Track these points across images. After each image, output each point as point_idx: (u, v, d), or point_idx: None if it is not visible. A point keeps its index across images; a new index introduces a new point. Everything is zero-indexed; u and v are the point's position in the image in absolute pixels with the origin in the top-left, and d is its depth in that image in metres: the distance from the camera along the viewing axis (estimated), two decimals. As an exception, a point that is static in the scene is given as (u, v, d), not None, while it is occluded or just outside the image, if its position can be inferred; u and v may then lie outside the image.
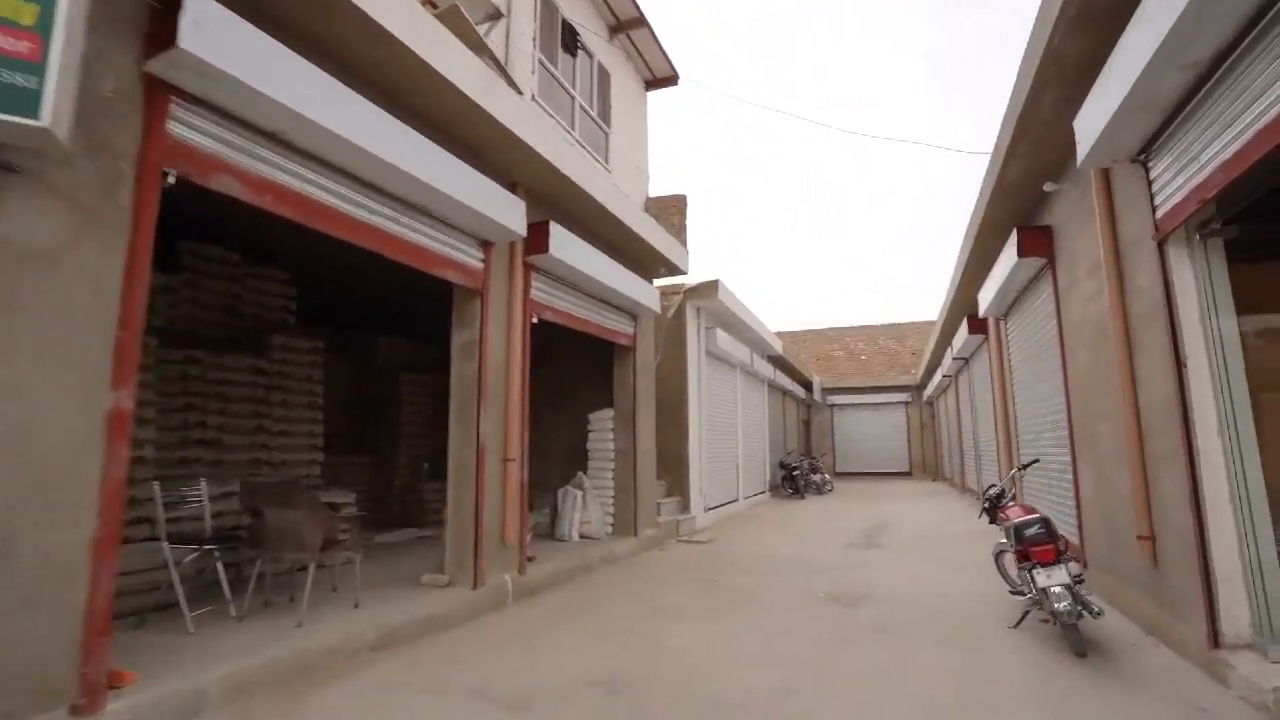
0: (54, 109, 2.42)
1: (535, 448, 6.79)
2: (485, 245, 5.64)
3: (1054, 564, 4.09)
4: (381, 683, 3.70)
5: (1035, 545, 4.19)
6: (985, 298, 8.32)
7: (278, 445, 6.51)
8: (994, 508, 5.04)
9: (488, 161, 5.56)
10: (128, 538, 4.51)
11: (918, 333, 26.15)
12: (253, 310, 6.73)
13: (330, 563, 5.16)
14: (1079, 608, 3.90)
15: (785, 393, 19.92)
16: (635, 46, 10.20)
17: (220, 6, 3.14)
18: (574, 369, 9.48)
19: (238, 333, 6.46)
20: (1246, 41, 2.83)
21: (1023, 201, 6.43)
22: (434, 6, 5.45)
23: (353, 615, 4.50)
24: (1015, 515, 4.57)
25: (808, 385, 23.11)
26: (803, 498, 16.20)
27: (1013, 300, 8.00)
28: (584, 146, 8.50)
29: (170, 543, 4.15)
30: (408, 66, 4.34)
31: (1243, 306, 3.69)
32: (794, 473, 16.60)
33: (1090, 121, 3.92)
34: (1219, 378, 3.62)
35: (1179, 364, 3.77)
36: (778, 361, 17.48)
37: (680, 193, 11.11)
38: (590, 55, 9.05)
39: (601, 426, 8.76)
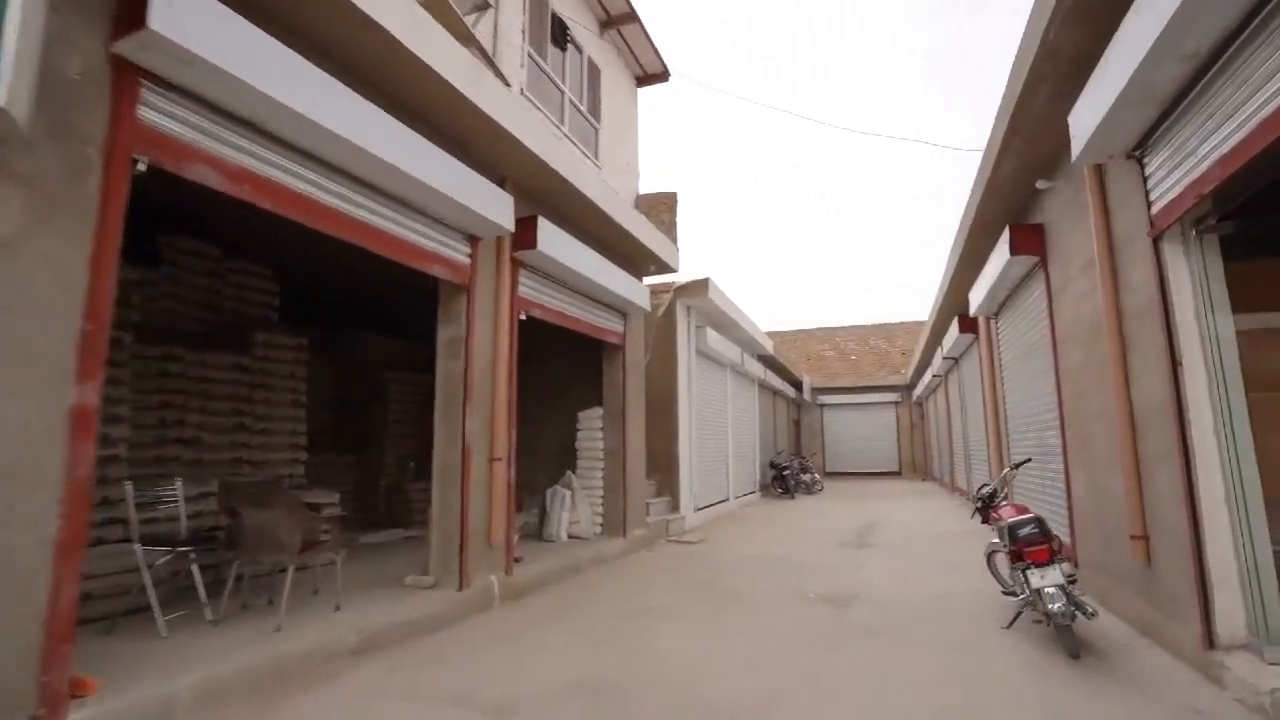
0: (10, 90, 2.30)
1: (523, 447, 6.69)
2: (472, 240, 5.53)
3: (1048, 564, 4.04)
4: (361, 688, 3.59)
5: (1029, 545, 4.14)
6: (976, 297, 8.30)
7: (259, 444, 6.38)
8: (986, 508, 4.99)
9: (475, 155, 5.46)
10: (100, 539, 4.39)
11: (908, 333, 26.23)
12: (234, 306, 6.59)
13: (311, 564, 5.04)
14: (1073, 609, 3.86)
15: (775, 392, 19.90)
16: (626, 42, 10.10)
17: (193, -13, 3.02)
18: (563, 367, 9.38)
19: (218, 329, 6.32)
20: (1248, 31, 2.78)
21: (1015, 199, 6.40)
22: (420, -4, 5.33)
23: (333, 618, 4.38)
24: (1008, 515, 4.52)
25: (798, 385, 23.12)
26: (793, 497, 16.18)
27: (1004, 299, 7.98)
28: (573, 142, 8.40)
29: (144, 544, 4.02)
30: (392, 55, 4.23)
31: (1238, 304, 3.65)
32: (784, 472, 16.58)
33: (1085, 116, 3.87)
34: (1215, 376, 3.58)
35: (1174, 362, 3.72)
36: (768, 361, 17.45)
37: (671, 190, 11.03)
38: (580, 50, 8.95)
39: (590, 425, 8.67)
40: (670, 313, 10.52)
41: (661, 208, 10.79)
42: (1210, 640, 3.49)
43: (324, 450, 8.56)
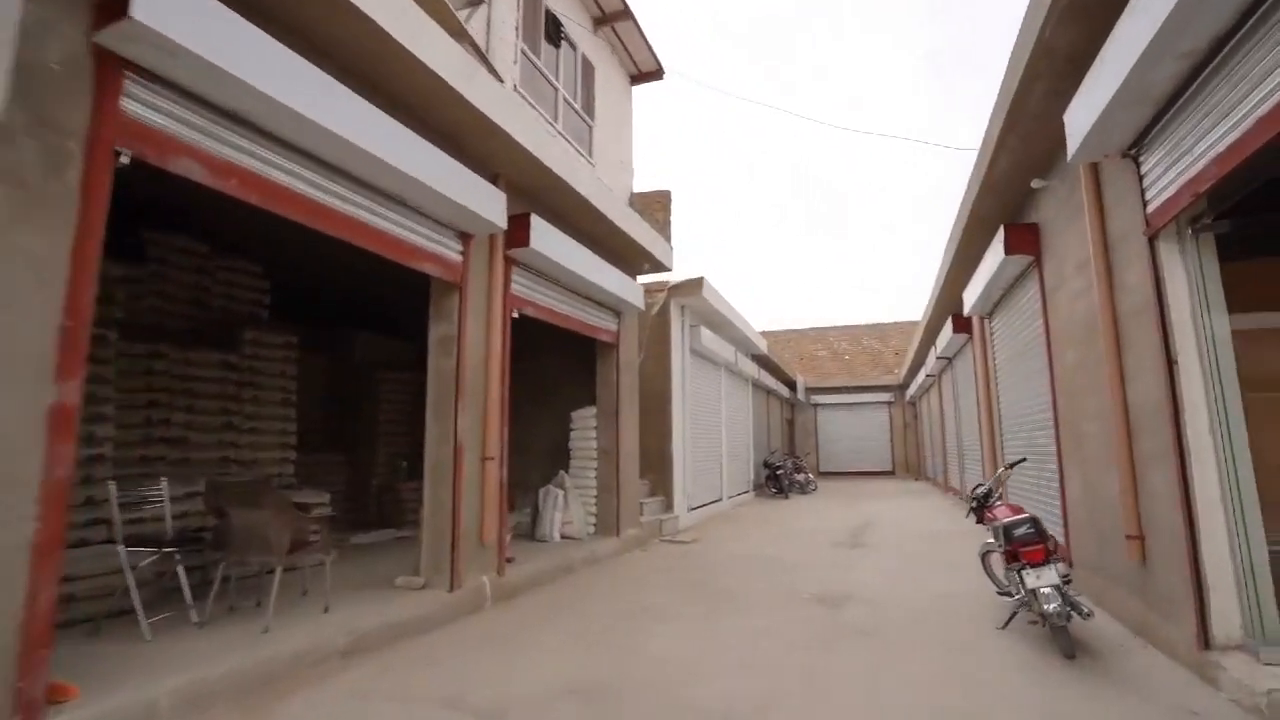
0: (-15, 78, 2.24)
1: (516, 446, 6.64)
2: (464, 237, 5.47)
3: (1043, 564, 4.02)
4: (350, 691, 3.54)
5: (1024, 545, 4.12)
6: (970, 296, 8.30)
7: (247, 443, 6.29)
8: (981, 507, 4.97)
9: (467, 151, 5.40)
10: (84, 540, 4.31)
11: (901, 333, 26.29)
12: (222, 304, 6.50)
13: (300, 565, 4.97)
14: (1068, 609, 3.84)
15: (769, 392, 19.90)
16: (620, 40, 10.06)
17: (177, -24, 2.95)
18: (556, 365, 9.33)
19: (206, 327, 6.23)
20: (1246, 27, 2.76)
21: (1010, 198, 6.39)
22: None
23: (323, 620, 4.32)
24: (1003, 515, 4.51)
25: (791, 385, 23.12)
26: (787, 497, 16.17)
27: (998, 299, 7.98)
28: (567, 139, 8.36)
29: (129, 545, 3.95)
30: (383, 49, 4.17)
31: (1233, 304, 3.63)
32: (778, 472, 16.57)
33: (1081, 114, 3.85)
34: (1210, 376, 3.56)
35: (1170, 362, 3.71)
36: (762, 361, 17.44)
37: (665, 188, 11.00)
38: (574, 47, 8.90)
39: (584, 424, 8.61)
40: (664, 312, 10.48)
41: (656, 206, 10.75)
42: (1206, 641, 3.48)
43: (315, 450, 8.49)
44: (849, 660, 4.01)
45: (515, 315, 6.18)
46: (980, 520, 4.99)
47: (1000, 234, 6.37)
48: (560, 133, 8.18)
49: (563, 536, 7.84)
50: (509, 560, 6.01)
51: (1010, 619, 4.47)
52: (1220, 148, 3.07)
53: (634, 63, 10.64)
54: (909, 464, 24.82)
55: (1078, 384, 5.35)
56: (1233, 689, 3.21)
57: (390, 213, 4.68)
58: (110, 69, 2.88)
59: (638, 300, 8.48)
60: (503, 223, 5.56)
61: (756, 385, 17.55)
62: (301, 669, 3.73)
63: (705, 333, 11.69)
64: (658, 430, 10.12)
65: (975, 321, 9.60)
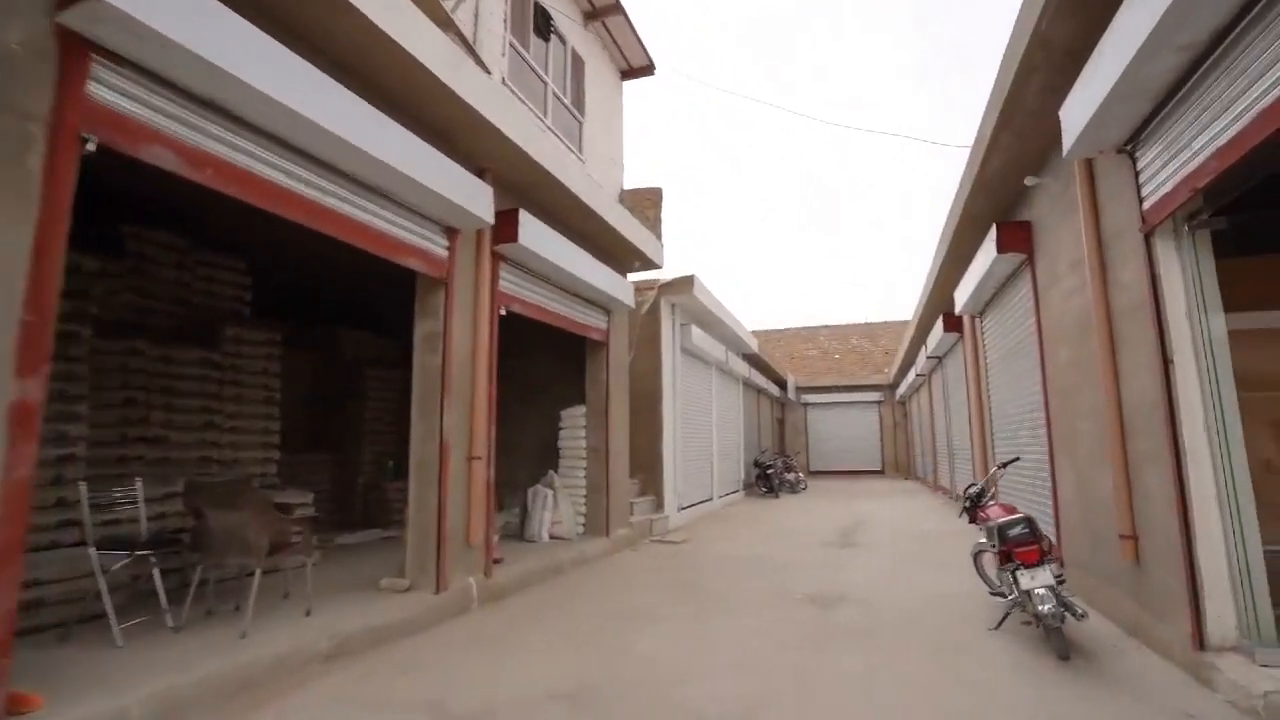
0: (-61, 56, 2.12)
1: (504, 445, 6.54)
2: (450, 233, 5.36)
3: (1037, 565, 3.97)
4: (332, 697, 3.44)
5: (1019, 546, 4.07)
6: (962, 295, 8.27)
7: (229, 443, 6.15)
8: (974, 507, 4.92)
9: (454, 144, 5.29)
10: (55, 543, 4.18)
11: (891, 332, 26.36)
12: (202, 299, 6.35)
13: (281, 567, 4.86)
14: (1063, 610, 3.79)
15: (760, 391, 19.87)
16: (611, 34, 9.96)
17: (146, -46, 2.83)
18: (545, 364, 9.23)
19: (186, 323, 6.08)
20: (1248, 19, 2.71)
21: (1003, 196, 6.35)
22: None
23: (304, 623, 4.20)
24: (997, 515, 4.46)
25: (782, 384, 23.11)
26: (777, 496, 16.15)
27: (990, 297, 7.95)
28: (556, 134, 8.25)
29: (102, 548, 3.82)
30: (367, 39, 4.06)
31: (1229, 302, 3.59)
32: (768, 471, 16.54)
33: (1077, 109, 3.80)
34: (1207, 374, 3.52)
35: (1165, 360, 3.67)
36: (753, 360, 17.40)
37: (656, 185, 10.91)
38: (564, 41, 8.79)
39: (573, 423, 8.52)
40: (655, 310, 10.40)
41: (646, 203, 10.66)
42: (1201, 642, 3.44)
43: (299, 449, 8.34)
44: (841, 661, 3.95)
45: (503, 312, 6.07)
46: (973, 520, 4.95)
47: (992, 232, 6.33)
48: (549, 128, 8.07)
49: (552, 537, 7.74)
50: (497, 561, 5.91)
51: (1003, 619, 4.43)
52: (1220, 142, 3.02)
53: (625, 58, 10.55)
54: (899, 463, 24.89)
55: (1070, 383, 5.31)
56: (1229, 690, 3.17)
57: (373, 206, 4.57)
58: (75, 51, 2.76)
59: (628, 298, 8.39)
60: (490, 218, 5.45)
61: (747, 384, 17.51)
62: (281, 674, 3.62)
63: (696, 331, 11.62)
64: (648, 429, 10.04)
65: (966, 320, 9.58)
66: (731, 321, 13.03)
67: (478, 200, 5.25)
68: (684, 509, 10.96)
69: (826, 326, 28.29)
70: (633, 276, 9.13)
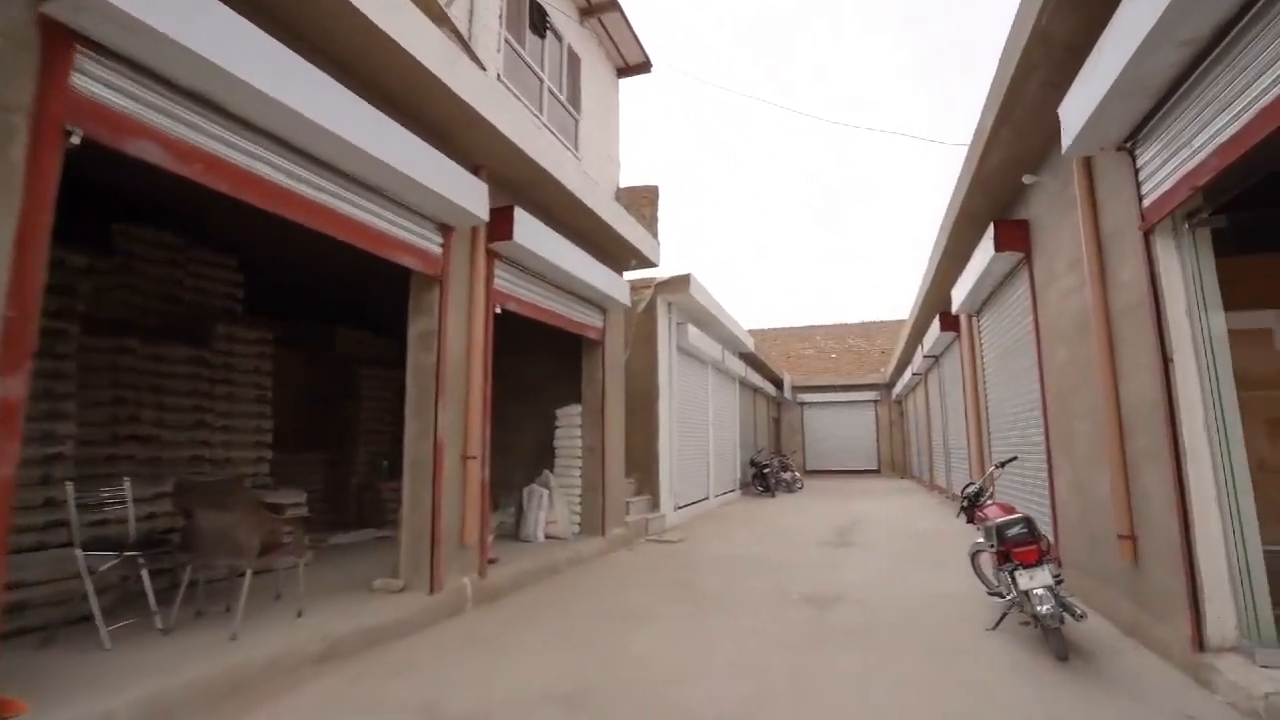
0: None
1: (498, 444, 6.49)
2: (445, 230, 5.31)
3: (1036, 565, 3.95)
4: (324, 699, 3.39)
5: (1017, 546, 4.04)
6: (959, 294, 8.25)
7: (220, 442, 6.08)
8: (972, 507, 4.90)
9: (448, 141, 5.23)
10: (42, 544, 4.11)
11: (887, 332, 26.38)
12: (193, 297, 6.28)
13: (273, 568, 4.80)
14: (1061, 610, 3.77)
15: (756, 390, 19.85)
16: (607, 31, 9.91)
17: (132, -56, 2.77)
18: (541, 363, 9.18)
19: (176, 321, 6.01)
20: (1251, 13, 2.68)
21: (1001, 194, 6.33)
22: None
23: (295, 625, 4.15)
24: (995, 515, 4.43)
25: (778, 383, 23.10)
26: (773, 496, 16.13)
27: (987, 296, 7.93)
28: (552, 132, 8.20)
29: (90, 549, 3.76)
30: (360, 35, 4.00)
31: (1228, 300, 3.57)
32: (765, 471, 16.52)
33: (1077, 106, 3.77)
34: (1207, 373, 3.50)
35: (1165, 359, 3.64)
36: (749, 359, 17.37)
37: (653, 183, 10.87)
38: (560, 38, 8.74)
39: (569, 422, 8.47)
40: (651, 309, 10.36)
41: (643, 201, 10.62)
42: (1200, 643, 3.42)
43: (293, 448, 8.26)
44: (838, 661, 3.92)
45: (498, 310, 6.02)
46: (971, 520, 4.92)
47: (990, 230, 6.31)
48: (545, 125, 8.02)
49: (547, 536, 7.70)
50: (492, 561, 5.86)
51: (1001, 620, 4.41)
52: (1221, 139, 3.00)
53: (621, 55, 10.50)
54: (895, 462, 24.91)
55: (1068, 382, 5.29)
56: (1229, 691, 3.15)
57: (367, 203, 4.51)
58: (59, 42, 2.70)
59: (624, 297, 8.35)
60: (484, 215, 5.40)
61: (743, 383, 17.49)
62: (273, 676, 3.57)
63: (692, 330, 11.58)
64: (644, 428, 10.00)
65: (963, 319, 9.57)
66: (728, 320, 13.00)
67: (472, 197, 5.20)
68: (680, 508, 10.92)
69: (823, 326, 28.30)
70: (629, 275, 9.09)
